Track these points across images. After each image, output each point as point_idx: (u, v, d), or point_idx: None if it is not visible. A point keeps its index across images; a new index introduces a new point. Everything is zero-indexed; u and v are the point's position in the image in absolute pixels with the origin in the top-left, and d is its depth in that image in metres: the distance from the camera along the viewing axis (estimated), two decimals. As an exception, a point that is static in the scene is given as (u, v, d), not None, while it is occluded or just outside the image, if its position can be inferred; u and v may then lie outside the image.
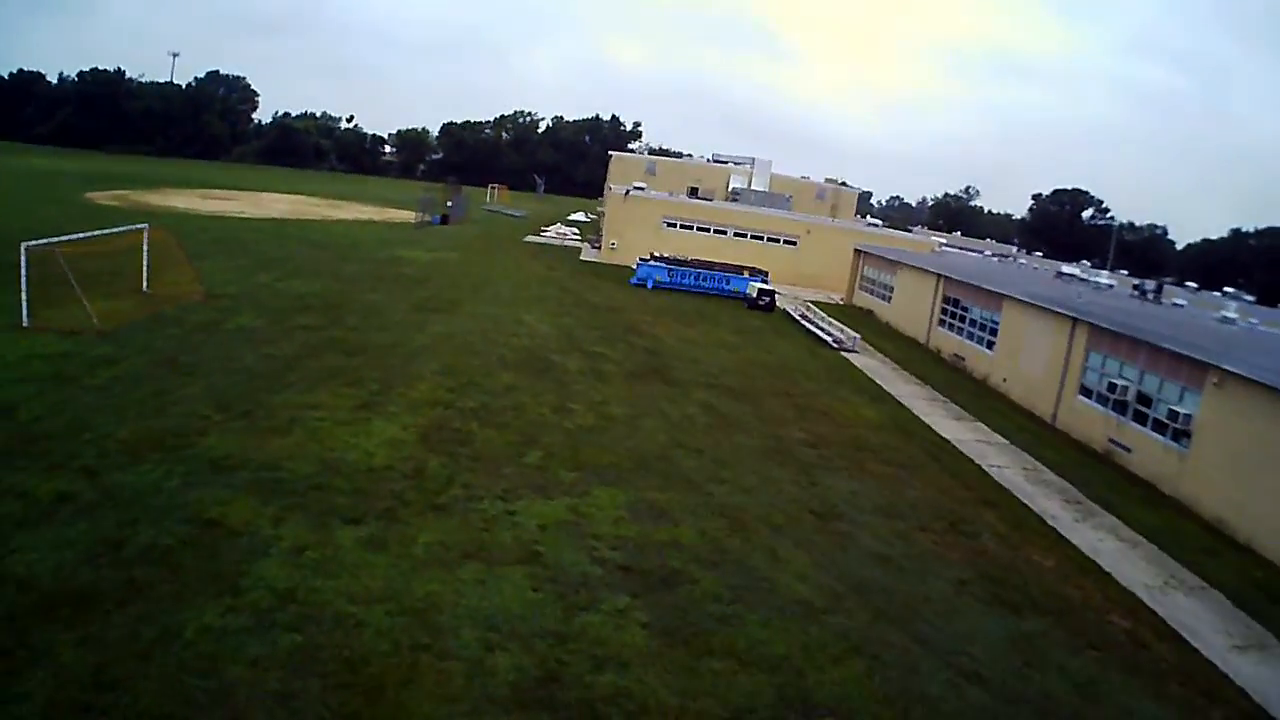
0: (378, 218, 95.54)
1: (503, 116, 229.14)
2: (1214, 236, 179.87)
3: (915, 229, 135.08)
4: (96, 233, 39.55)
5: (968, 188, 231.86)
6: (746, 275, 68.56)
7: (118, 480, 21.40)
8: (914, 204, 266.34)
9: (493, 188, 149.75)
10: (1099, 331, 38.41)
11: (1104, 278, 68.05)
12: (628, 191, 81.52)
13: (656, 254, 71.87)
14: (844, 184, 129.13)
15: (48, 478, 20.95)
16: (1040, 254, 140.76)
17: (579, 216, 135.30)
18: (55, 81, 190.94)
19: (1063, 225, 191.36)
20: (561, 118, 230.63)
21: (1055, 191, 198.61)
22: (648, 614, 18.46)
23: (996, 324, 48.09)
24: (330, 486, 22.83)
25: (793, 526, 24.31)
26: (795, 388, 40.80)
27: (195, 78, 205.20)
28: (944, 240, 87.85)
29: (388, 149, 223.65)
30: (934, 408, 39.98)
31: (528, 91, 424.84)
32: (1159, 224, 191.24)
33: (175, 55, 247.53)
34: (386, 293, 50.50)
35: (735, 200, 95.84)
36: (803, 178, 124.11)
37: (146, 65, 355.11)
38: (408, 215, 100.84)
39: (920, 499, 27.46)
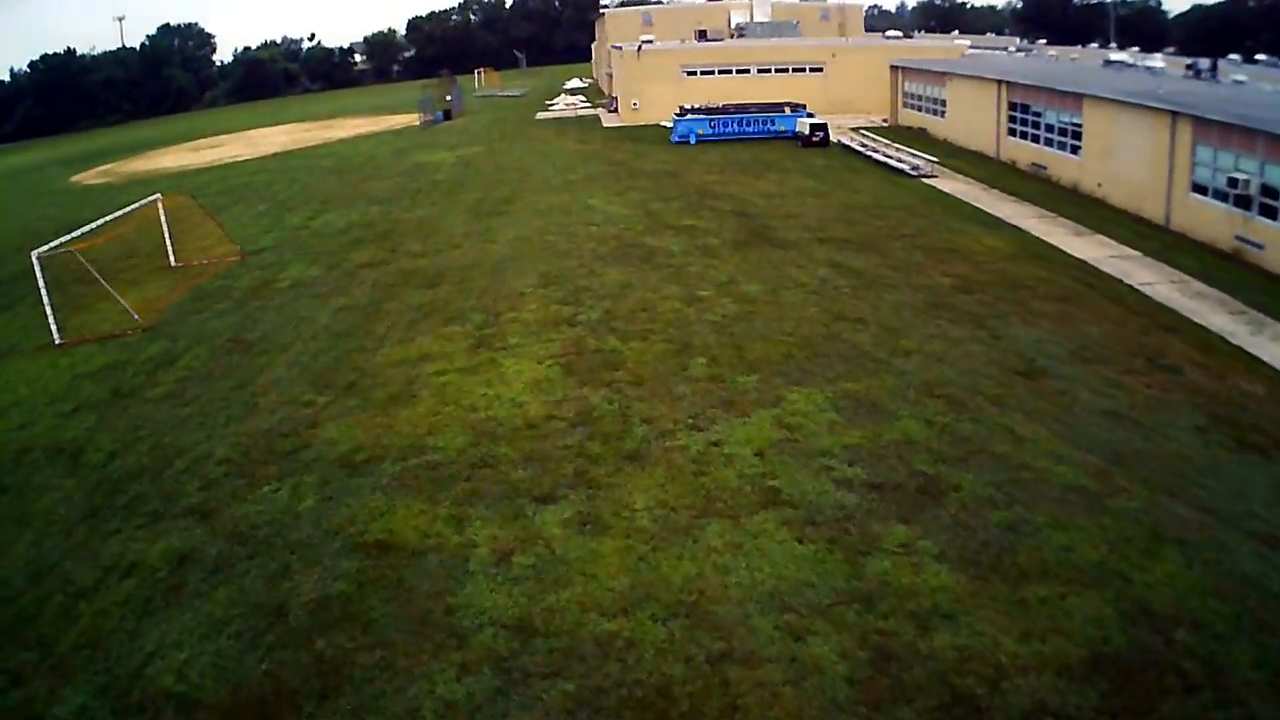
0: (377, 128, 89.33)
1: (468, 0, 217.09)
2: (1208, 1, 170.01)
3: (917, 35, 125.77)
4: (106, 218, 34.61)
5: None
6: (788, 111, 62.78)
7: (240, 516, 16.87)
8: (893, 9, 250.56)
9: (479, 72, 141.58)
10: (1205, 124, 33.31)
11: (1157, 61, 60.48)
12: (640, 47, 74.59)
13: (687, 106, 65.91)
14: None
15: (153, 536, 16.42)
16: (1044, 41, 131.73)
17: (576, 84, 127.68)
18: (8, 78, 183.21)
19: (1056, 9, 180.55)
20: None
21: None
22: (934, 542, 14.91)
23: (1078, 126, 43.09)
24: (497, 459, 18.33)
25: (1008, 394, 20.38)
26: (905, 226, 35.98)
27: (147, 35, 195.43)
28: (967, 43, 79.74)
29: (358, 58, 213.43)
30: (1050, 226, 36.01)
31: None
32: None
33: (121, 19, 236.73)
34: (432, 205, 45.60)
35: (742, 36, 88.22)
36: (802, 2, 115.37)
37: (95, 38, 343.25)
38: (407, 119, 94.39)
39: (1104, 335, 23.97)
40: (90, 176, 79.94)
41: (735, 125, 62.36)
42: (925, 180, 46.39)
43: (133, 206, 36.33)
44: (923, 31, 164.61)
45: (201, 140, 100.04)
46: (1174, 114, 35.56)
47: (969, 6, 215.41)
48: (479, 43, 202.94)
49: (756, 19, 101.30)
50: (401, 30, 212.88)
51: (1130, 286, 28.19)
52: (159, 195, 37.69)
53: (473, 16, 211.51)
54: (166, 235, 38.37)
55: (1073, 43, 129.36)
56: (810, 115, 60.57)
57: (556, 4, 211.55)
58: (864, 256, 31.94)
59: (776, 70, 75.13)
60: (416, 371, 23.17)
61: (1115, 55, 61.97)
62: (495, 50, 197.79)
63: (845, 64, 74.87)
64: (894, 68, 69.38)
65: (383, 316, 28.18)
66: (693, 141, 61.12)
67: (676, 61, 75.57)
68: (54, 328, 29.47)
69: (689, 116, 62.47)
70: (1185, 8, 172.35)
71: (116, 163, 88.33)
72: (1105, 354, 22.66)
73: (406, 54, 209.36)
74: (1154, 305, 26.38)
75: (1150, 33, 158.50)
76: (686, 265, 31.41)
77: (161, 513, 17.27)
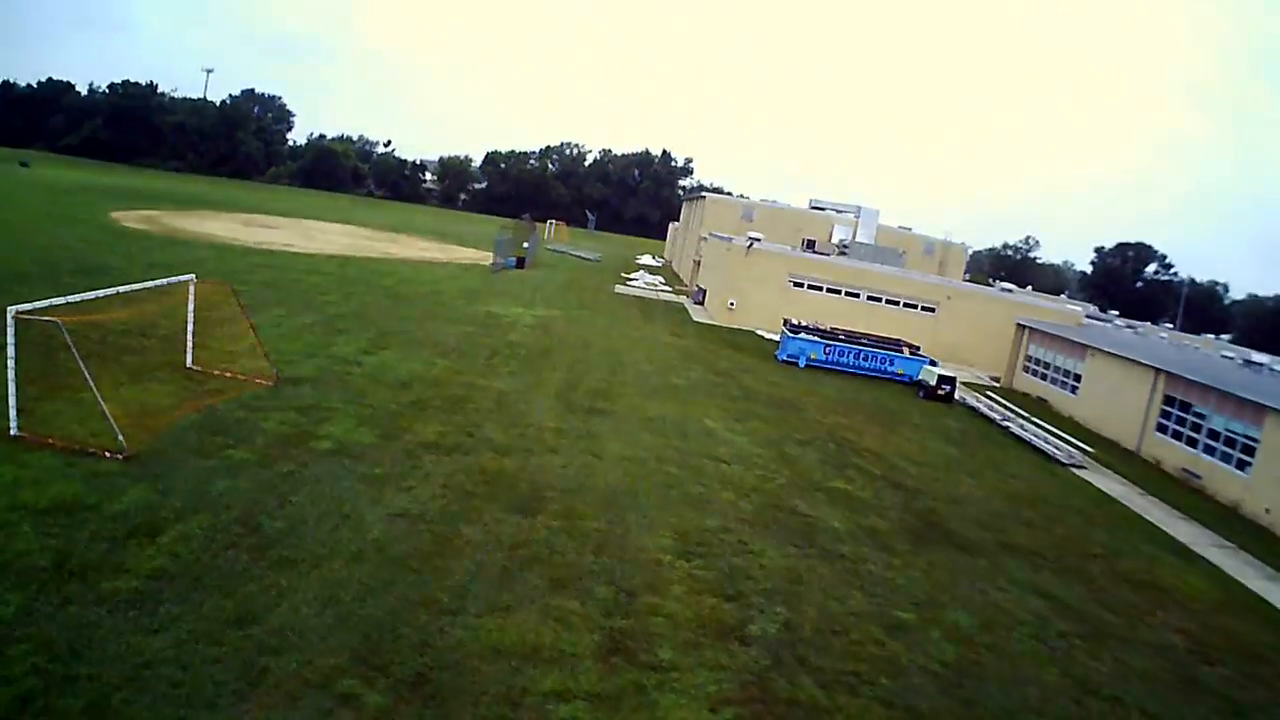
0: (444, 257, 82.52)
1: (549, 147, 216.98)
2: (1263, 293, 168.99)
3: (1024, 290, 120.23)
4: (118, 289, 27.21)
5: (1027, 238, 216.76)
6: (907, 354, 56.89)
7: None
8: (967, 253, 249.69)
9: (551, 224, 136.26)
10: None
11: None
12: (750, 244, 68.14)
13: (794, 321, 60.11)
14: (1024, 246, 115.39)
15: None
16: (1117, 314, 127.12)
17: (649, 260, 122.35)
18: (85, 92, 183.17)
19: (1126, 280, 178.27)
20: (610, 150, 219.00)
21: (1118, 245, 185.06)
22: None
23: (1253, 440, 38.43)
24: None
25: None
26: (1089, 540, 30.04)
27: (230, 94, 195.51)
28: (1082, 311, 73.33)
29: (428, 176, 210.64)
30: (1237, 564, 30.69)
31: (573, 122, 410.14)
32: (1219, 279, 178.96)
33: (209, 71, 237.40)
34: (511, 375, 38.09)
35: (844, 254, 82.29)
36: (902, 229, 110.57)
37: (178, 80, 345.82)
38: (476, 255, 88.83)
39: None
40: (132, 219, 72.58)
41: (851, 356, 56.21)
42: (1076, 471, 40.24)
43: (159, 283, 28.41)
44: (994, 282, 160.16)
45: (256, 216, 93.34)
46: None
47: (1037, 261, 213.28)
48: (551, 193, 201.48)
49: (860, 238, 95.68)
50: (476, 160, 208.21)
51: None
52: (194, 278, 29.16)
53: (550, 165, 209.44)
54: (190, 328, 30.15)
55: (1137, 316, 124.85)
56: (933, 363, 54.50)
57: (636, 174, 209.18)
58: (1068, 584, 25.30)
59: (888, 301, 69.37)
60: (522, 684, 14.64)
61: (1257, 357, 55.23)
62: (565, 204, 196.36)
63: (959, 309, 69.15)
64: (1021, 326, 63.74)
65: (461, 549, 19.76)
66: (801, 364, 54.68)
67: (785, 269, 69.93)
68: (13, 412, 21.53)
69: (801, 335, 56.01)
70: (1240, 296, 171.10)
71: (163, 211, 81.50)
72: None
73: (476, 185, 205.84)
74: None
75: (1214, 317, 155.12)
76: (863, 561, 23.66)
77: None
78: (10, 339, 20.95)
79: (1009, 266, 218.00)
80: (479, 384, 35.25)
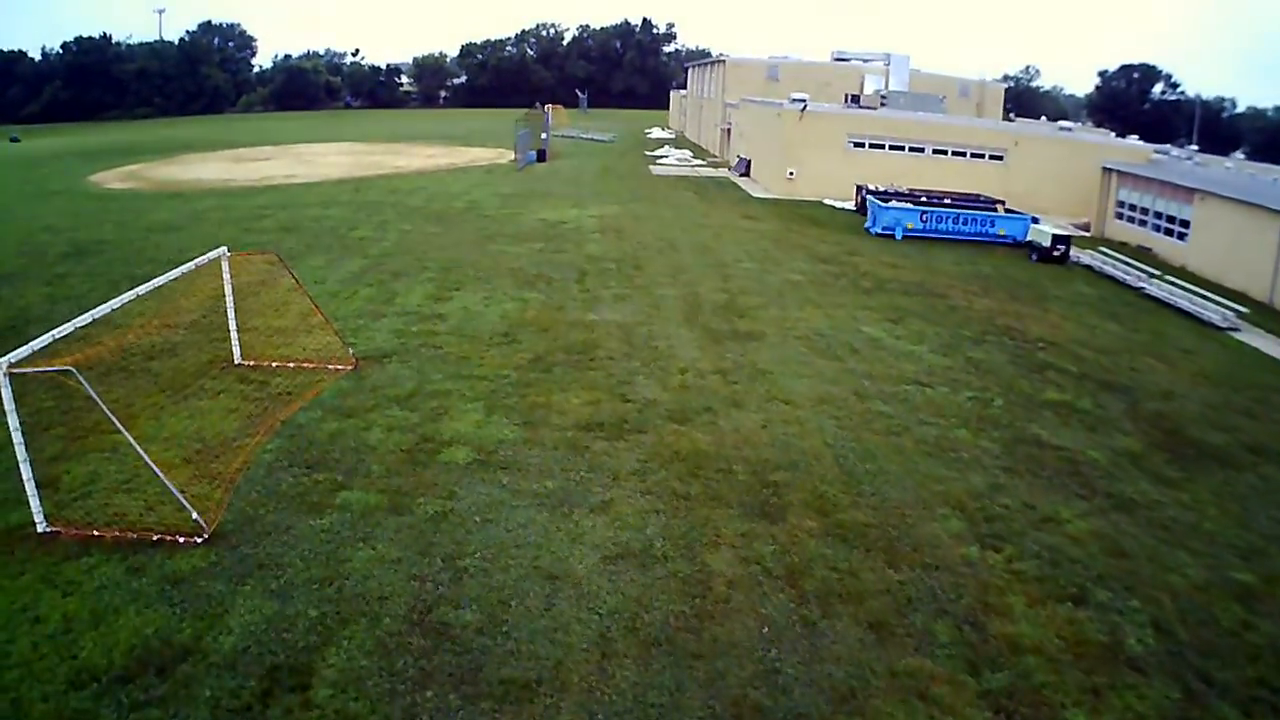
0: (458, 161, 74.87)
1: (524, 31, 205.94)
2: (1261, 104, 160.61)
3: (1081, 125, 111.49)
4: (131, 295, 19.79)
5: (1027, 67, 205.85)
6: (1001, 210, 50.56)
7: None
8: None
9: (548, 108, 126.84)
10: None
11: None
12: (804, 107, 61.25)
13: (874, 187, 53.98)
14: (1025, 76, 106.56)
15: None
16: (1136, 137, 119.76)
17: (659, 133, 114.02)
18: (39, 57, 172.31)
19: (1134, 102, 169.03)
20: (588, 26, 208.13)
21: (1122, 67, 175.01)
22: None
23: None
24: None
25: None
26: None
27: (187, 31, 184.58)
28: (1149, 148, 65.40)
29: (404, 79, 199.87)
30: None
31: (545, 2, 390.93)
32: (1225, 95, 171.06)
33: (161, 11, 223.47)
34: (621, 301, 32.04)
35: (884, 106, 74.22)
36: (930, 73, 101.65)
37: (131, 27, 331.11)
38: (488, 154, 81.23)
39: None
40: (113, 178, 64.86)
41: (950, 222, 49.50)
42: (1234, 335, 35.10)
43: (183, 270, 20.86)
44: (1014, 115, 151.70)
45: (244, 150, 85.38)
46: None
47: (1040, 90, 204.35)
48: (534, 78, 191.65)
49: (893, 87, 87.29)
50: (452, 55, 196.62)
51: None
52: (225, 252, 21.91)
53: (529, 50, 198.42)
54: (232, 316, 23.56)
55: (1147, 138, 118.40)
56: (1035, 220, 48.81)
57: (618, 46, 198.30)
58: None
59: (953, 154, 62.68)
60: None
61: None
62: (550, 87, 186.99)
63: (1029, 155, 62.37)
64: (1107, 170, 57.17)
65: (727, 598, 14.14)
66: (898, 236, 48.18)
67: (843, 130, 62.97)
68: (34, 502, 15.04)
69: (893, 203, 49.27)
70: (1240, 109, 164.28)
71: (145, 164, 73.60)
72: None
73: (456, 80, 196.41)
74: None
75: (1224, 135, 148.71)
76: (1155, 505, 18.57)
77: None
78: (8, 403, 13.79)
79: (1011, 98, 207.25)
80: (590, 320, 28.96)
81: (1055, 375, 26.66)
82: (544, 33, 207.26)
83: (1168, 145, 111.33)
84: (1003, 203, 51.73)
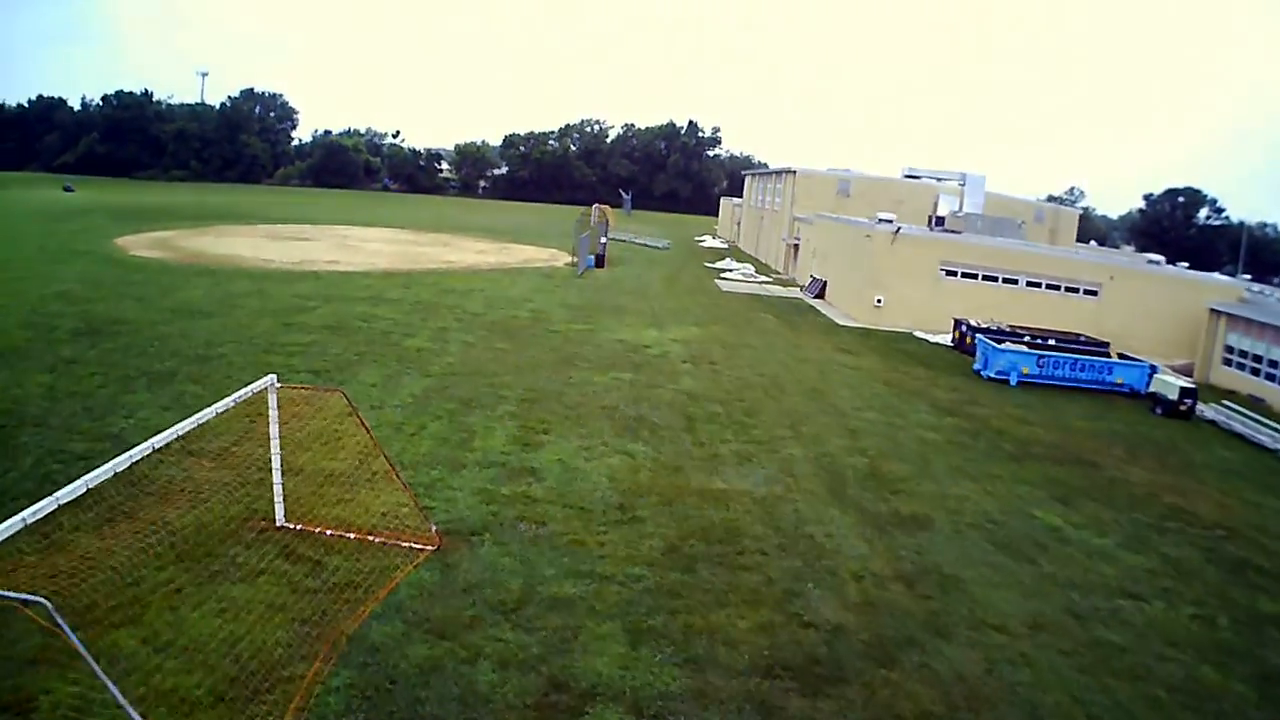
0: (509, 260, 70.06)
1: (568, 125, 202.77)
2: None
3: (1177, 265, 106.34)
4: (149, 446, 14.68)
5: (1072, 188, 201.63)
6: (1114, 356, 45.46)
7: None
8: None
9: (596, 209, 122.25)
10: None
11: None
12: (897, 230, 56.92)
13: (976, 323, 49.14)
14: (1069, 197, 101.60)
15: None
16: (1186, 265, 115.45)
17: (711, 241, 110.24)
18: (78, 107, 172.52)
19: (1178, 227, 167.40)
20: (633, 124, 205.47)
21: (1167, 191, 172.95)
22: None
23: None
24: None
25: None
26: None
27: (229, 96, 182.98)
28: (1243, 286, 59.97)
29: (444, 165, 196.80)
30: None
31: (590, 98, 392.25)
32: (1267, 220, 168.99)
33: (204, 74, 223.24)
34: (747, 464, 26.18)
35: (940, 226, 69.29)
36: (1003, 195, 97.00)
37: (173, 87, 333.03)
38: (538, 252, 77.47)
39: None
40: (142, 244, 59.72)
41: (1067, 368, 43.80)
42: None
43: (223, 405, 15.09)
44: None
45: (282, 227, 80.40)
46: None
47: (1086, 211, 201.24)
48: (575, 174, 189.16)
49: (967, 209, 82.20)
50: (494, 144, 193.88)
51: None
52: (271, 380, 15.82)
53: (572, 145, 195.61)
54: (276, 466, 17.91)
55: (1192, 264, 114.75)
56: (1154, 368, 43.74)
57: (662, 147, 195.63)
58: None
59: (1048, 287, 57.16)
60: None
61: None
62: (591, 185, 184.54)
63: (1125, 290, 57.01)
64: (1215, 312, 51.77)
65: None
66: (1013, 382, 42.54)
67: (936, 256, 57.62)
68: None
69: (1007, 345, 44.09)
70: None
71: (177, 231, 68.75)
72: None
73: (496, 171, 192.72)
74: None
75: (1269, 260, 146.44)
76: None
77: None
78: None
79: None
80: (719, 489, 23.28)
81: (1256, 576, 21.72)
82: (588, 129, 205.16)
83: (1261, 286, 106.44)
84: (1108, 345, 46.83)
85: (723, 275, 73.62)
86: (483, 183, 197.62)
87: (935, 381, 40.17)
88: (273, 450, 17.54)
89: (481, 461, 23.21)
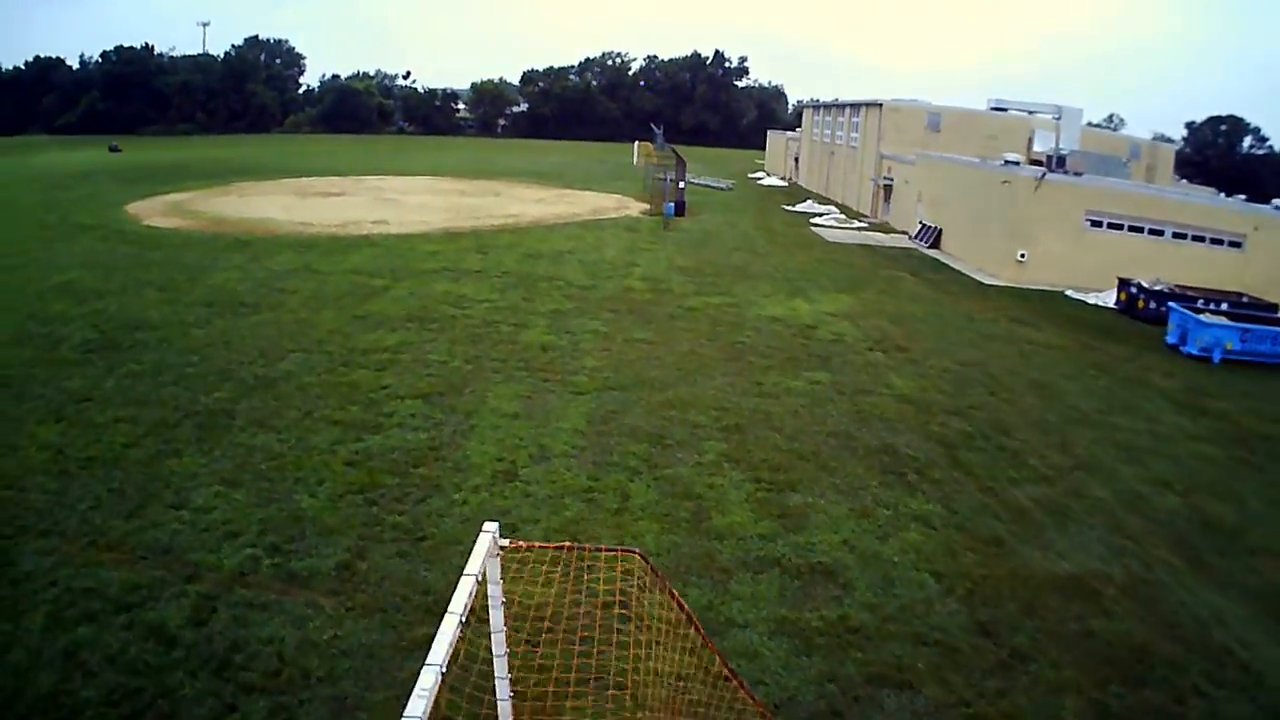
0: (579, 210, 61.26)
1: (589, 59, 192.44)
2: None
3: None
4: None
5: (1110, 115, 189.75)
6: None
7: None
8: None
9: (637, 145, 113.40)
10: None
11: None
12: (1042, 175, 48.62)
13: (1148, 284, 41.15)
14: (1109, 125, 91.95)
15: None
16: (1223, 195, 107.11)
17: (768, 179, 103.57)
18: (77, 66, 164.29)
19: (1222, 155, 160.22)
20: (655, 56, 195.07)
21: (1210, 119, 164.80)
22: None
23: None
24: None
25: None
26: None
27: (233, 45, 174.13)
28: None
29: (461, 105, 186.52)
30: None
31: (609, 28, 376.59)
32: None
33: (205, 25, 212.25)
34: (1068, 522, 17.95)
35: (1063, 168, 59.37)
36: (1093, 126, 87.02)
37: (174, 39, 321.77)
38: (602, 200, 67.63)
39: None
40: (156, 211, 50.63)
41: (1270, 343, 35.61)
42: None
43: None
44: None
45: (309, 180, 70.84)
46: None
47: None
48: (598, 109, 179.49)
49: (1064, 144, 72.28)
50: (511, 81, 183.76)
51: None
52: (495, 533, 7.89)
53: (593, 80, 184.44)
54: (501, 677, 8.25)
55: (1237, 192, 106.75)
56: None
57: (688, 79, 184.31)
58: None
59: (1194, 238, 48.90)
60: None
61: None
62: (616, 119, 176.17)
63: (1271, 241, 48.43)
64: None
65: None
66: (1215, 359, 34.20)
67: (1080, 204, 48.86)
68: None
69: (1208, 316, 35.58)
70: None
71: (194, 192, 59.36)
72: None
73: (516, 108, 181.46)
74: None
75: None
76: None
77: None
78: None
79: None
80: (1068, 575, 15.19)
81: None
82: (609, 62, 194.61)
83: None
84: (1278, 307, 39.19)
85: (814, 223, 64.20)
86: (502, 121, 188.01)
87: (1140, 362, 31.96)
88: (493, 640, 8.34)
89: (744, 558, 15.27)
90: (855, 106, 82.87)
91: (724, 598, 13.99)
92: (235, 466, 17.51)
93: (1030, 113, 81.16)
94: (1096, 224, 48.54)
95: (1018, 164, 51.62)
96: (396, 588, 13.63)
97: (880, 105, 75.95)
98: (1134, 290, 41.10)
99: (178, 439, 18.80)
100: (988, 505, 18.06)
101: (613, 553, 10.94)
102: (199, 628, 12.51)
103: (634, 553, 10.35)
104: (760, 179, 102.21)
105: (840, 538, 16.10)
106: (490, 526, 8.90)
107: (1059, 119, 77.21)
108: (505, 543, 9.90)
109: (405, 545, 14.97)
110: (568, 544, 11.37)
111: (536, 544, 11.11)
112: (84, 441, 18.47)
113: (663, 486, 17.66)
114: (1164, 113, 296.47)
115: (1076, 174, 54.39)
